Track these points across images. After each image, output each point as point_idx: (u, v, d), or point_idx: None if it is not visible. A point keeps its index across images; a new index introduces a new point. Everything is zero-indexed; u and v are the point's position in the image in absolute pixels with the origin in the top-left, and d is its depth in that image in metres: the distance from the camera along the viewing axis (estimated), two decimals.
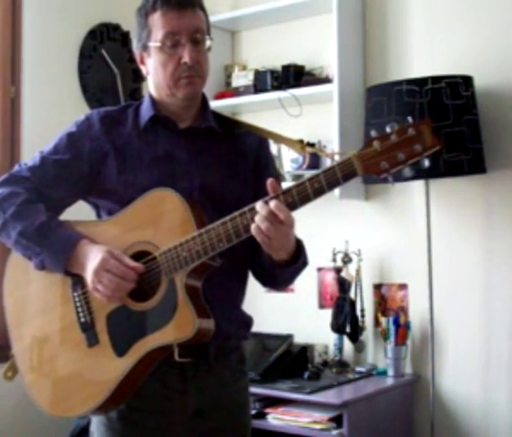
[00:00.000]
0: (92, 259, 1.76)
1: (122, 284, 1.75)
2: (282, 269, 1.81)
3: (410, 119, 1.65)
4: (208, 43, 1.88)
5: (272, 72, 3.49)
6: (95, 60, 3.66)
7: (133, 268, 1.75)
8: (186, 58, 1.82)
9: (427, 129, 1.62)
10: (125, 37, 3.78)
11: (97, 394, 1.77)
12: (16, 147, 3.36)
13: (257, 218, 1.67)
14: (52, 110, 3.48)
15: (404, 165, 1.64)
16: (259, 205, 1.67)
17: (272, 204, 1.66)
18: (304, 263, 1.87)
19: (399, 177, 1.70)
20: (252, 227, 1.67)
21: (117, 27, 3.75)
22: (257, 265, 1.92)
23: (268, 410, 2.95)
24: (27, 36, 3.40)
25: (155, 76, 1.88)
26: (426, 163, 1.65)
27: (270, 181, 1.69)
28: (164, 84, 1.86)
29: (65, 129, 1.93)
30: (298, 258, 1.80)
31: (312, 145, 3.42)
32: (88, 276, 1.77)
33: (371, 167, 1.64)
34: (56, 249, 1.80)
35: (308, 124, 3.44)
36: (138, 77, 3.82)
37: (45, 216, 1.82)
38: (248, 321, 1.97)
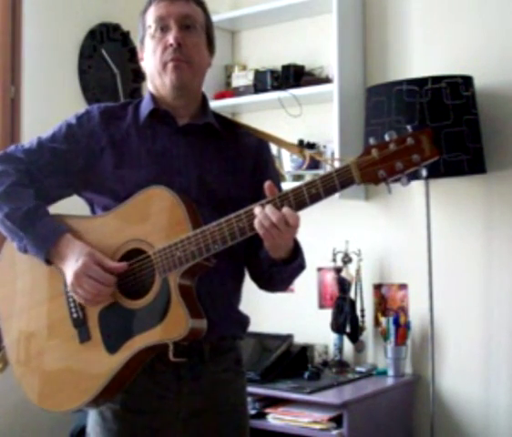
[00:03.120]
0: (73, 261, 1.75)
1: (103, 290, 1.75)
2: (280, 268, 1.81)
3: (409, 128, 1.65)
4: (200, 23, 1.88)
5: (272, 72, 3.49)
6: (95, 60, 3.66)
7: (115, 268, 1.75)
8: (170, 39, 1.83)
9: (426, 139, 1.62)
10: (125, 37, 3.78)
11: (87, 391, 1.77)
12: None
13: (265, 222, 1.66)
14: (52, 110, 3.47)
15: (402, 174, 1.64)
16: (267, 209, 1.67)
17: (285, 209, 1.66)
18: (301, 265, 1.87)
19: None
20: (259, 227, 1.67)
21: (117, 27, 3.75)
22: (254, 265, 1.91)
23: (268, 410, 2.95)
24: (27, 36, 3.40)
25: (148, 66, 1.89)
26: (424, 173, 1.66)
27: (267, 184, 1.70)
28: (155, 71, 1.87)
29: (65, 120, 1.93)
30: (295, 257, 1.80)
31: (312, 145, 3.42)
32: (68, 276, 1.77)
33: (368, 175, 1.65)
34: (38, 238, 1.78)
35: (308, 124, 3.44)
36: (138, 77, 3.82)
37: (33, 202, 1.81)
38: (244, 322, 1.96)
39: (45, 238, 1.78)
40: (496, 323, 3.07)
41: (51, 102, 3.49)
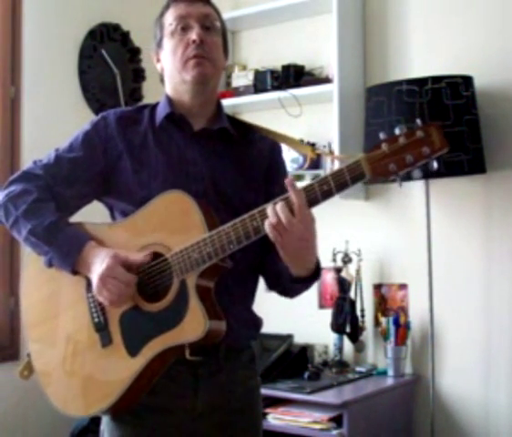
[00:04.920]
0: (98, 264, 1.77)
1: (125, 290, 1.76)
2: (298, 283, 1.81)
3: (419, 122, 1.65)
4: (218, 25, 1.93)
5: (272, 72, 3.49)
6: (95, 60, 3.66)
7: (139, 261, 1.76)
8: (193, 36, 1.85)
9: (436, 132, 1.63)
10: (125, 37, 3.77)
11: (110, 394, 1.79)
12: (16, 147, 3.36)
13: (273, 219, 1.66)
14: (52, 110, 3.48)
15: (413, 167, 1.65)
16: (270, 207, 1.68)
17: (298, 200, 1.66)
18: (318, 274, 1.86)
19: (402, 177, 1.71)
20: (267, 225, 1.67)
21: (117, 27, 3.75)
22: (270, 271, 1.92)
23: (268, 410, 2.94)
24: (27, 36, 3.40)
25: (167, 66, 1.91)
26: (435, 165, 1.66)
27: (288, 180, 1.69)
28: (175, 69, 1.88)
29: (81, 128, 1.94)
30: (314, 277, 1.80)
31: (312, 145, 3.42)
32: (94, 280, 1.78)
33: (379, 169, 1.65)
34: (63, 250, 1.81)
35: (308, 124, 3.45)
36: (138, 77, 3.82)
37: (54, 215, 1.83)
38: (257, 322, 1.98)
39: (69, 249, 1.81)
40: (496, 323, 3.07)
41: (51, 102, 3.49)
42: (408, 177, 1.71)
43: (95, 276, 1.77)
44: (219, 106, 1.97)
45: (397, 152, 1.64)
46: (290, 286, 1.86)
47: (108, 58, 3.70)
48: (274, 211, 1.67)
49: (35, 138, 3.34)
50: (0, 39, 3.35)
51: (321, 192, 1.68)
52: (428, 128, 1.63)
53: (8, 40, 3.37)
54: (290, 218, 1.66)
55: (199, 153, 1.89)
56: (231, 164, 1.91)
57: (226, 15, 3.63)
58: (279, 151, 2.01)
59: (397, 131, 1.65)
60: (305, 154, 2.00)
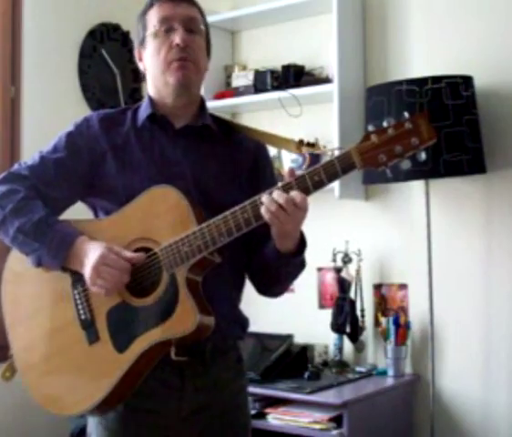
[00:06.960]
0: (91, 256, 1.77)
1: (121, 277, 1.75)
2: (287, 260, 1.81)
3: (406, 114, 1.68)
4: (202, 28, 1.91)
5: (272, 72, 3.49)
6: (95, 60, 3.66)
7: (131, 258, 1.76)
8: (177, 40, 1.84)
9: (424, 122, 1.66)
10: (125, 37, 3.78)
11: (97, 392, 1.77)
12: (16, 147, 3.36)
13: (272, 206, 1.68)
14: (52, 110, 3.48)
15: (402, 158, 1.68)
16: (274, 194, 1.69)
17: (292, 192, 1.68)
18: (303, 263, 1.88)
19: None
20: (265, 212, 1.68)
21: (117, 27, 3.76)
22: (258, 264, 1.91)
23: (268, 410, 2.95)
24: (27, 36, 3.40)
25: (150, 66, 1.90)
26: (423, 155, 1.69)
27: (288, 170, 1.74)
28: (158, 71, 1.87)
29: (64, 130, 1.94)
30: (302, 250, 1.81)
31: (312, 145, 3.42)
32: (87, 271, 1.77)
33: (369, 159, 1.68)
34: (53, 246, 1.80)
35: (308, 124, 3.44)
36: (138, 77, 3.82)
37: (43, 212, 1.83)
38: (244, 322, 1.97)
39: (59, 244, 1.80)
40: (496, 323, 3.07)
41: (51, 102, 3.49)
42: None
43: (88, 267, 1.76)
44: (202, 105, 1.96)
45: (387, 143, 1.67)
46: (277, 273, 1.86)
47: (108, 58, 3.70)
48: (271, 198, 1.68)
49: (35, 138, 3.34)
50: (0, 39, 3.35)
51: (312, 182, 1.69)
52: (416, 119, 1.67)
53: (8, 40, 3.37)
54: (291, 206, 1.67)
55: (182, 151, 1.89)
56: (214, 162, 1.91)
57: (226, 15, 3.66)
58: (264, 150, 2.02)
59: (385, 123, 1.68)
60: (296, 152, 2.00)
